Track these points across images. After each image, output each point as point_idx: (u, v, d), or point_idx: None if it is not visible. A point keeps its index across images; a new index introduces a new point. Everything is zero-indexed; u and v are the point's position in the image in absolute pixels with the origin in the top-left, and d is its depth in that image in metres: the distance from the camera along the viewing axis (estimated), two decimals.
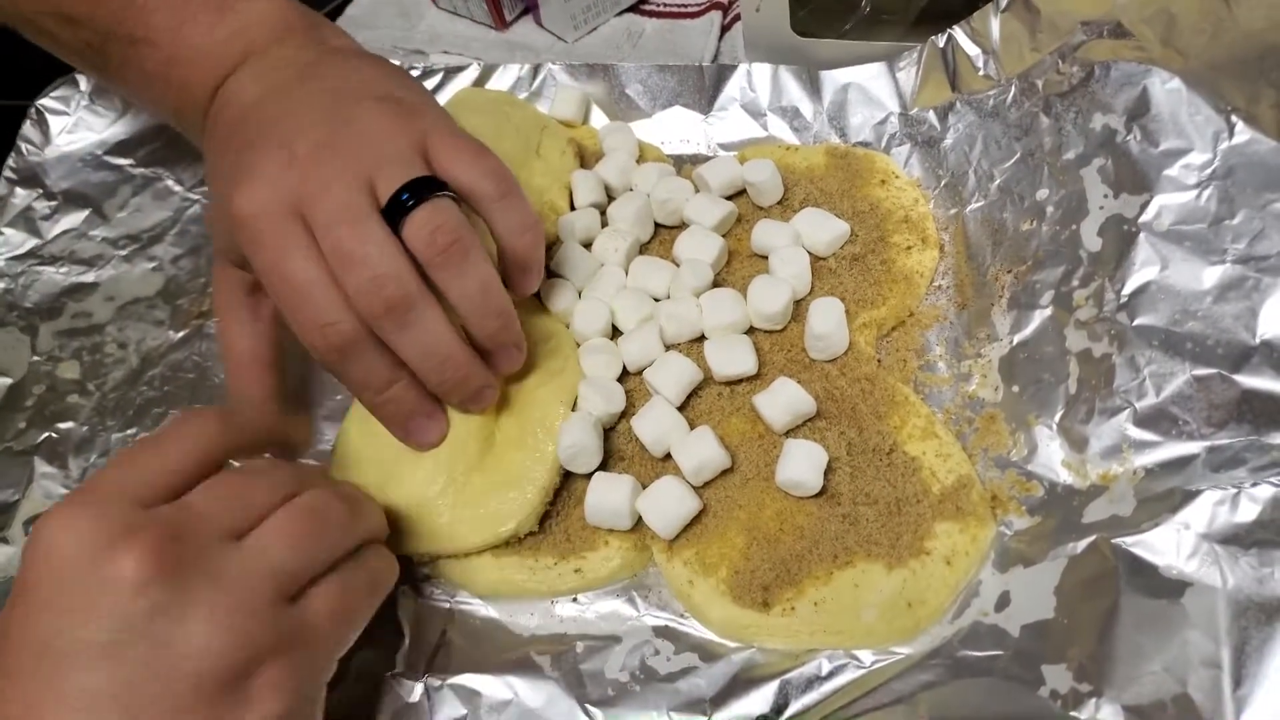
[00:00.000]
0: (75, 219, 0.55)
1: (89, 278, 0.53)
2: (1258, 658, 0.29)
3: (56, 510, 0.29)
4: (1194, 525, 0.32)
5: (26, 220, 0.56)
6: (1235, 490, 0.32)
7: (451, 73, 0.54)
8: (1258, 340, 0.33)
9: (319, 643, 0.31)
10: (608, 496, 0.37)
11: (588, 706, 0.35)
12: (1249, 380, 0.33)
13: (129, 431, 0.47)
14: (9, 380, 0.49)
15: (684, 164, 0.50)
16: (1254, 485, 0.31)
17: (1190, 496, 0.32)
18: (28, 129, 0.57)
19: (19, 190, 0.56)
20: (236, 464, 0.34)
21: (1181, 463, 0.34)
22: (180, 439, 0.31)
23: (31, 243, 0.55)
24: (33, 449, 0.47)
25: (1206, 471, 0.33)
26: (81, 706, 0.27)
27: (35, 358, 0.50)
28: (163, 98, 0.43)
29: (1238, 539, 0.31)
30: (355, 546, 0.33)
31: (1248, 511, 0.31)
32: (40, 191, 0.56)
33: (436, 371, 0.36)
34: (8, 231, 0.55)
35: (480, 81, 0.54)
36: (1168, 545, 0.32)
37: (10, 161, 0.57)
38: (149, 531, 0.28)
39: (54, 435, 0.47)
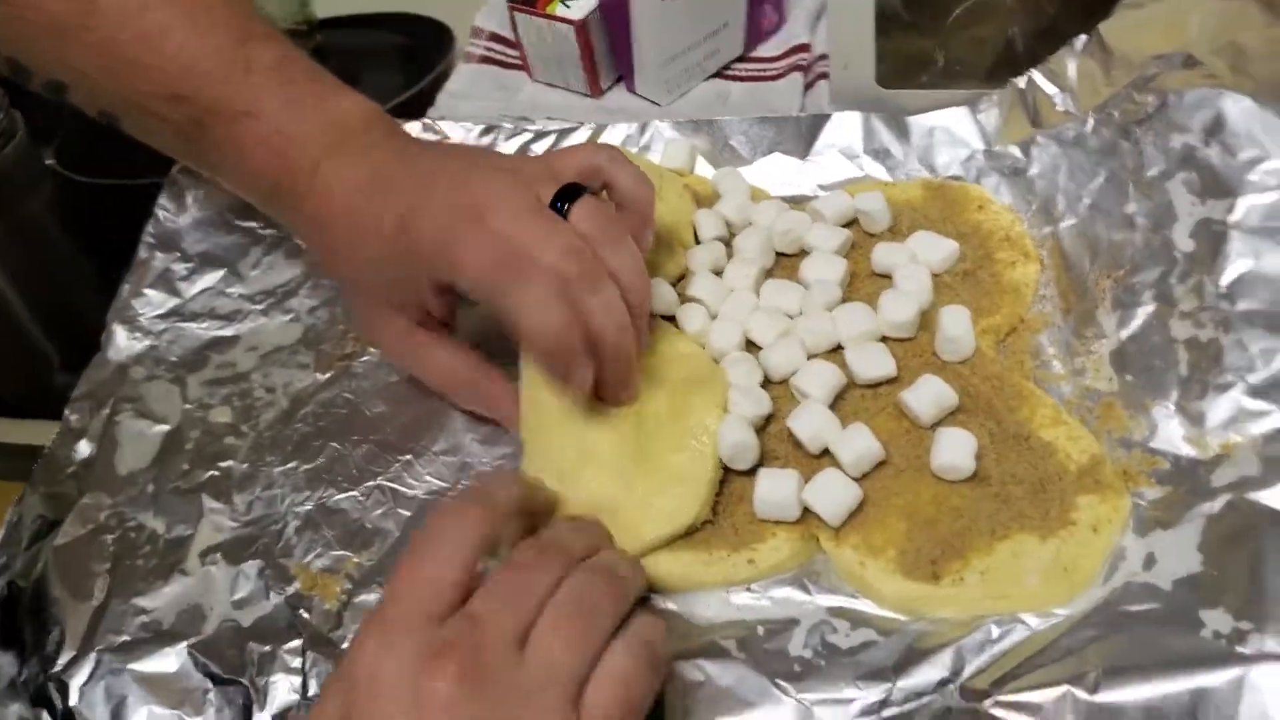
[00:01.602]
0: (212, 278, 0.59)
1: (229, 331, 0.57)
2: None
3: (372, 633, 0.32)
4: None
5: (166, 282, 0.59)
6: None
7: (565, 133, 0.59)
8: None
9: None
10: (776, 488, 0.41)
11: (778, 682, 0.38)
12: None
13: (289, 465, 0.50)
14: (167, 427, 0.53)
15: (791, 205, 0.55)
16: None
17: None
18: (164, 199, 0.62)
19: (158, 254, 0.60)
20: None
21: None
22: (452, 543, 0.34)
23: (172, 302, 0.59)
24: (199, 487, 0.49)
25: None
26: None
27: (187, 405, 0.54)
28: (263, 169, 0.47)
29: None
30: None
31: None
32: (178, 254, 0.60)
33: (615, 333, 0.40)
34: (149, 293, 0.59)
35: (594, 138, 0.59)
36: None
37: (149, 228, 0.61)
38: (456, 651, 0.31)
39: (216, 473, 0.50)
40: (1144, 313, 0.44)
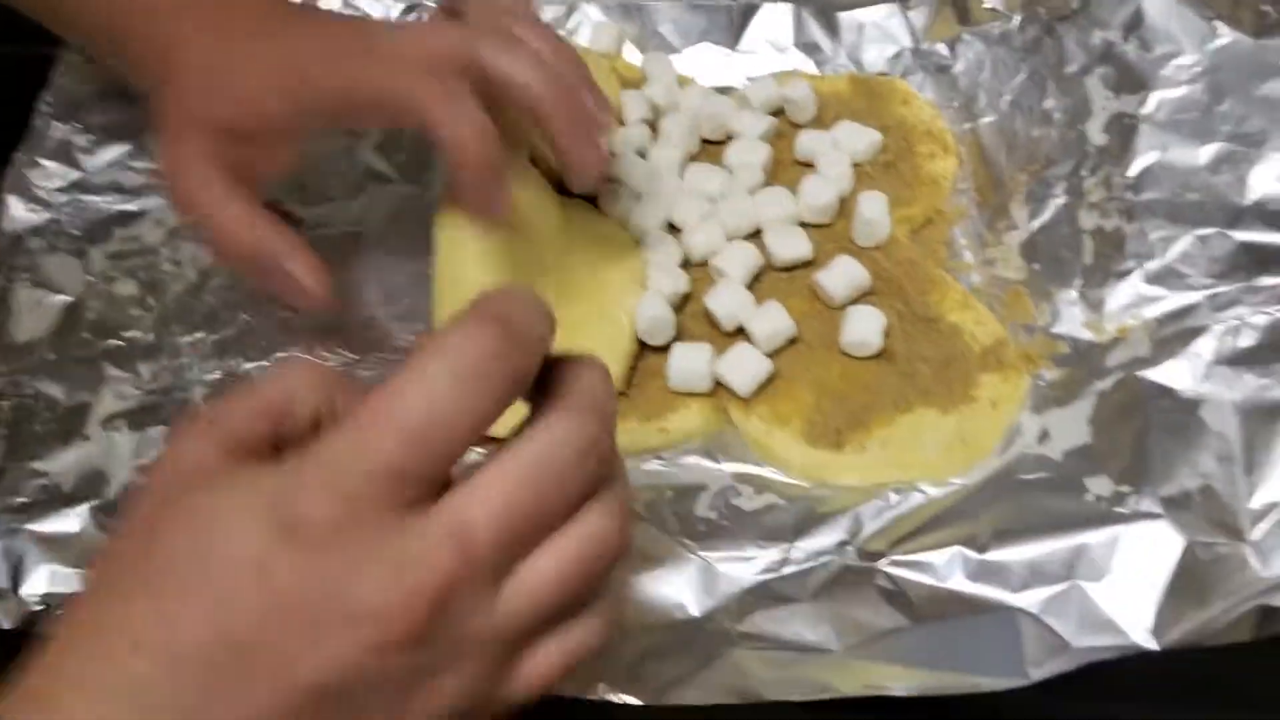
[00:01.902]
0: (117, 151, 0.57)
1: (134, 206, 0.55)
2: (1265, 450, 0.35)
3: (317, 499, 0.22)
4: (1204, 354, 0.38)
5: (65, 153, 0.57)
6: (1237, 323, 0.38)
7: None
8: (1248, 202, 0.39)
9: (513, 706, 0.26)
10: (689, 361, 0.41)
11: (684, 541, 0.39)
12: (1243, 235, 0.39)
13: (197, 335, 0.48)
14: (68, 298, 0.51)
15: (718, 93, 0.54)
16: (1253, 316, 0.37)
17: (1199, 332, 0.38)
18: (64, 67, 0.59)
19: (57, 125, 0.57)
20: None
21: (1189, 310, 0.40)
22: (466, 388, 0.23)
23: (74, 175, 0.56)
24: (101, 355, 0.48)
25: (1211, 312, 0.39)
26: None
27: (89, 277, 0.52)
28: None
29: (1242, 360, 0.37)
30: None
31: (1249, 338, 0.37)
32: (79, 125, 0.57)
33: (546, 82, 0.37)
34: (48, 164, 0.56)
35: None
36: (1183, 372, 0.38)
37: (47, 97, 0.58)
38: (426, 591, 0.22)
39: (120, 343, 0.48)
40: (1055, 204, 0.45)
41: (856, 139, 0.48)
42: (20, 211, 0.54)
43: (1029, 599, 0.35)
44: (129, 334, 0.49)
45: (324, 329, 0.48)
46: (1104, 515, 0.36)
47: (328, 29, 0.42)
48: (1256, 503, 0.35)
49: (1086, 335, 0.42)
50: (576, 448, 0.25)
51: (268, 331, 0.48)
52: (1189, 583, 0.34)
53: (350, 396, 0.27)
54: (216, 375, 0.47)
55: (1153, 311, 0.40)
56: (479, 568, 0.23)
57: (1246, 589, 0.33)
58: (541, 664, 0.26)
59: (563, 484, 0.24)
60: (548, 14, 0.58)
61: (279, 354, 0.47)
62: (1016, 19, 0.50)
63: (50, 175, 0.56)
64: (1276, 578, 0.34)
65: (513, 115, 0.47)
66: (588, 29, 0.57)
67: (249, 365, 0.47)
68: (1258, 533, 0.34)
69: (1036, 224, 0.45)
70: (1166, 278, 0.40)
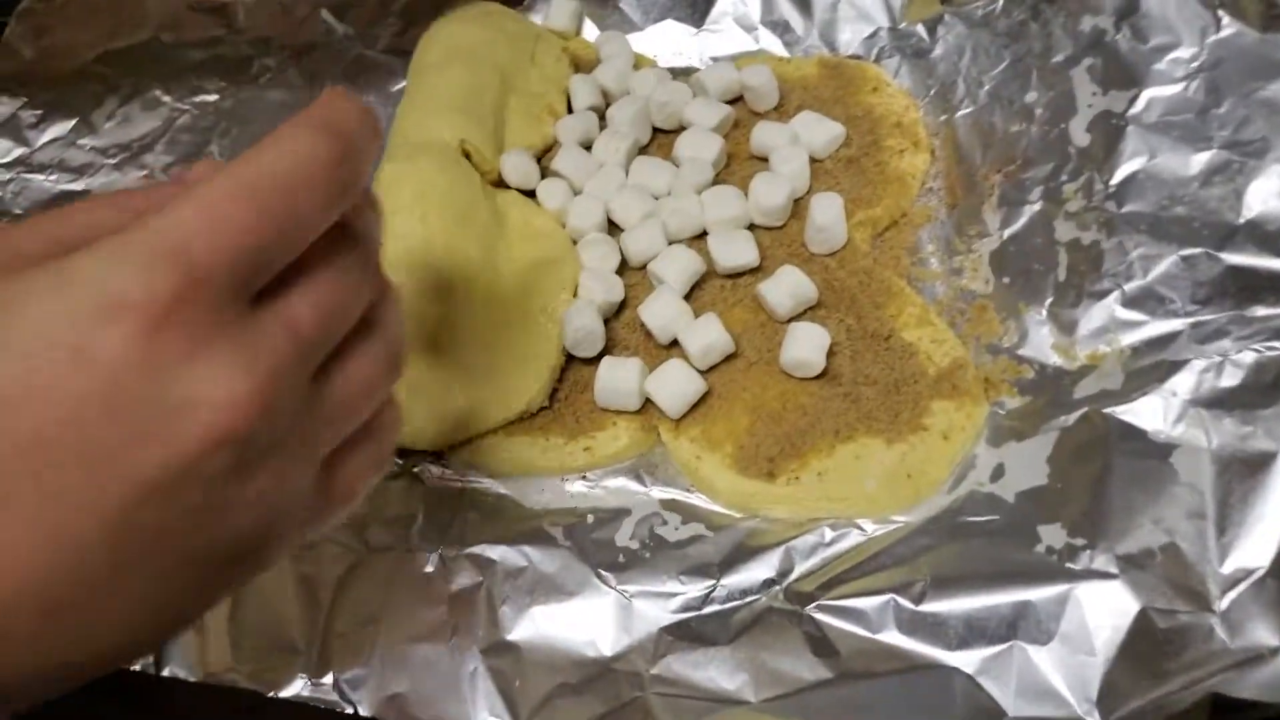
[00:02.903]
0: (62, 128, 0.55)
1: (79, 185, 0.53)
2: (1241, 508, 0.31)
3: (152, 282, 0.20)
4: (1180, 392, 0.34)
5: (12, 129, 0.55)
6: (1220, 359, 0.34)
7: None
8: (1242, 220, 0.35)
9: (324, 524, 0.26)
10: (617, 378, 0.38)
11: (600, 572, 0.36)
12: (1233, 257, 0.35)
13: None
14: None
15: (678, 76, 0.50)
16: (1238, 353, 0.33)
17: (1177, 366, 0.34)
18: (10, 39, 0.56)
19: (3, 99, 0.55)
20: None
21: (1168, 339, 0.35)
22: (312, 214, 0.23)
23: (18, 151, 0.54)
24: None
25: (1192, 344, 0.35)
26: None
27: None
28: None
29: (1222, 402, 0.33)
30: None
31: (1232, 377, 0.33)
32: (25, 100, 0.55)
33: None
34: None
35: None
36: (1155, 412, 0.34)
37: None
38: (261, 369, 0.21)
39: None
40: (1030, 211, 0.41)
41: (816, 132, 0.44)
42: None
43: (965, 658, 0.32)
44: None
45: None
46: (1053, 570, 0.32)
47: None
48: (1228, 567, 0.31)
49: (1055, 360, 0.38)
50: (365, 260, 0.25)
51: None
52: (1142, 652, 0.30)
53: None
54: None
55: (1129, 338, 0.36)
56: (305, 361, 0.23)
57: (1209, 663, 0.30)
58: (349, 474, 0.26)
59: (361, 291, 0.25)
60: None
61: None
62: (1000, 1, 0.45)
63: None
64: (1245, 650, 0.30)
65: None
66: (545, 3, 0.53)
67: None
68: (1226, 601, 0.30)
69: (1009, 232, 0.41)
70: (1145, 301, 0.36)
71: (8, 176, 0.53)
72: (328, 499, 0.26)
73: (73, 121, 0.55)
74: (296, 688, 0.34)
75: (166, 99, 0.55)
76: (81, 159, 0.54)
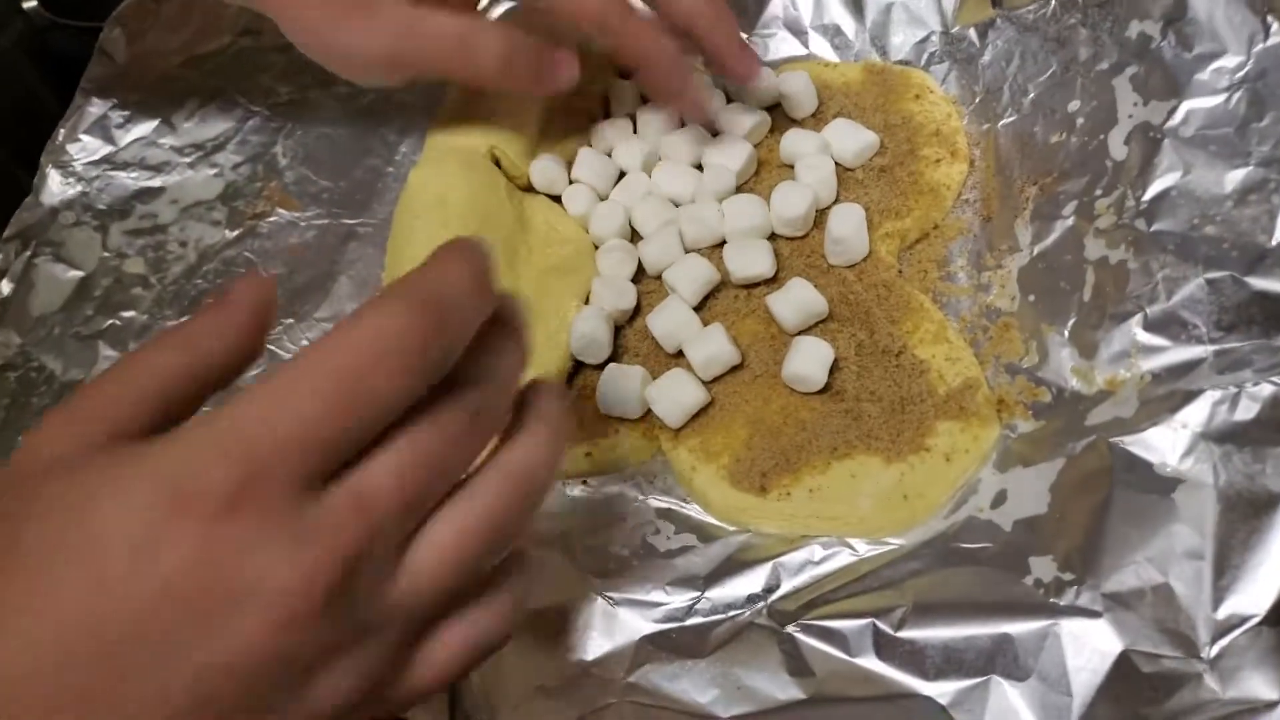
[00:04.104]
0: (146, 128, 0.59)
1: (156, 183, 0.57)
2: (1242, 550, 0.29)
3: (213, 473, 0.21)
4: (1191, 424, 0.32)
5: (102, 128, 0.59)
6: (1236, 390, 0.31)
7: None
8: (1274, 242, 0.33)
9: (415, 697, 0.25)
10: (619, 385, 0.38)
11: (589, 578, 0.36)
12: (1260, 282, 0.32)
13: (181, 320, 0.50)
14: (80, 274, 0.53)
15: (724, 81, 0.50)
16: (1255, 385, 0.31)
17: (1191, 396, 0.32)
18: (104, 43, 0.61)
19: (95, 100, 0.60)
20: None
21: (1188, 366, 0.33)
22: (390, 387, 0.22)
23: (106, 149, 0.58)
24: (99, 334, 0.50)
25: (1212, 374, 0.33)
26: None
27: (105, 254, 0.54)
28: None
29: (1234, 437, 0.31)
30: None
31: (1247, 410, 0.31)
32: (115, 102, 0.60)
33: None
34: (85, 139, 0.58)
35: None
36: (1164, 443, 0.32)
37: (89, 72, 0.60)
38: (325, 563, 0.21)
39: (117, 322, 0.51)
40: (1062, 226, 0.39)
41: (848, 140, 0.43)
42: (57, 185, 0.57)
43: (940, 689, 0.31)
44: (127, 314, 0.51)
45: (297, 319, 0.48)
46: (1037, 605, 0.31)
47: None
48: (1223, 612, 0.29)
49: (1073, 383, 0.36)
50: (470, 410, 0.24)
51: None
52: (1122, 696, 0.29)
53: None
54: None
55: (1149, 364, 0.34)
56: (381, 536, 0.22)
57: (1197, 713, 0.28)
58: (446, 648, 0.25)
59: (459, 448, 0.24)
60: None
61: None
62: (1052, 3, 0.43)
63: (86, 149, 0.58)
64: (1239, 702, 0.28)
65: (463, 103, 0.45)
66: None
67: None
68: (1216, 648, 0.28)
69: (1039, 248, 0.39)
70: (1168, 325, 0.34)
71: (95, 173, 0.57)
72: (416, 673, 0.25)
73: (155, 122, 0.59)
74: None
75: (241, 100, 0.58)
76: (160, 157, 0.57)
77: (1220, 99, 0.35)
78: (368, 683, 0.23)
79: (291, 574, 0.21)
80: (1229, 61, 0.36)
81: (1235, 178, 0.34)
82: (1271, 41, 0.35)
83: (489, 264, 0.25)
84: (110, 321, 0.50)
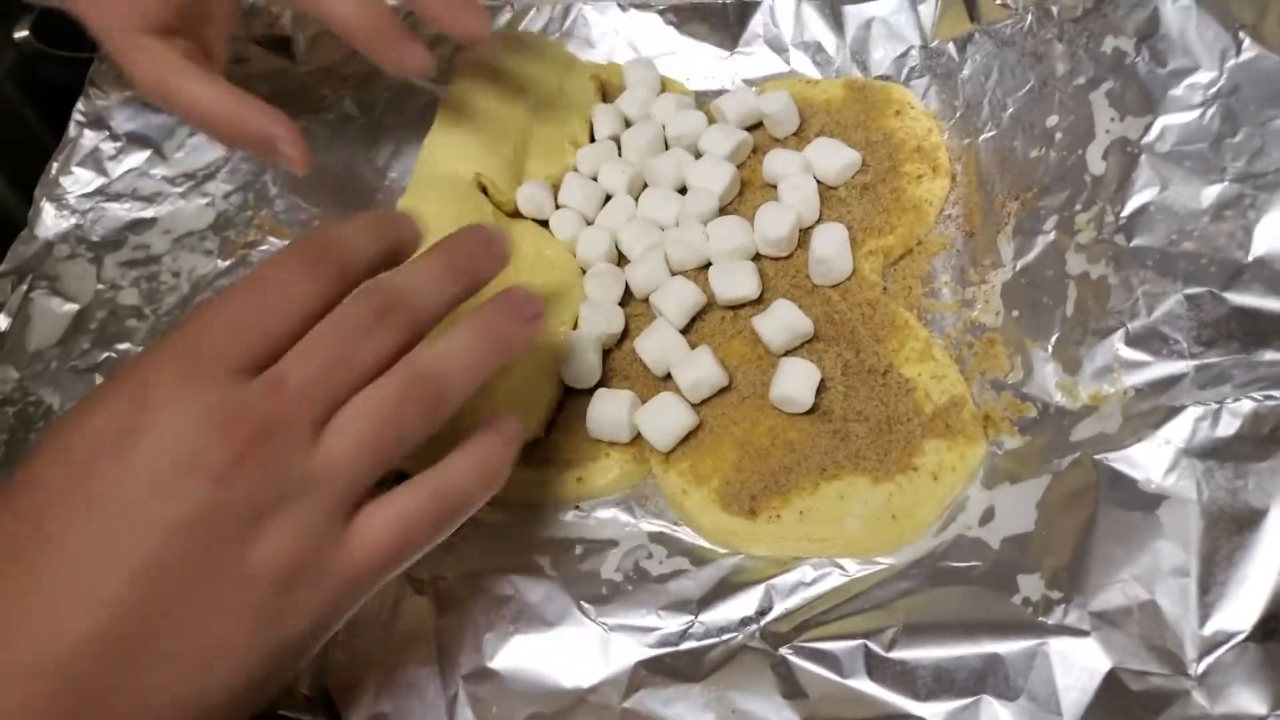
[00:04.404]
0: (138, 159, 0.59)
1: (149, 213, 0.57)
2: (1226, 566, 0.30)
3: (163, 370, 0.27)
4: (1174, 440, 0.32)
5: (95, 160, 0.59)
6: (1217, 406, 0.32)
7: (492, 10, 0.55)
8: (1250, 258, 0.33)
9: (359, 573, 0.29)
10: (609, 409, 0.39)
11: (582, 604, 0.37)
12: (1238, 298, 0.33)
13: None
14: (76, 306, 0.53)
15: (708, 100, 0.51)
16: (1235, 400, 0.31)
17: (1174, 412, 0.32)
18: (96, 75, 0.61)
19: (88, 133, 0.60)
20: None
21: (1170, 381, 0.34)
22: (277, 292, 0.29)
23: (99, 181, 0.59)
24: (95, 367, 0.50)
25: (1193, 389, 0.33)
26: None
27: (100, 286, 0.54)
28: None
29: (1216, 453, 0.31)
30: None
31: (1228, 426, 0.31)
32: (107, 134, 0.60)
33: None
34: (78, 171, 0.59)
35: (514, 23, 0.55)
36: (1148, 460, 0.32)
37: (80, 105, 0.61)
38: (245, 424, 0.27)
39: (113, 355, 0.51)
40: (1043, 241, 0.39)
41: (830, 159, 0.43)
42: (51, 218, 0.58)
43: (932, 710, 0.31)
44: (122, 346, 0.51)
45: None
46: (1026, 624, 0.31)
47: None
48: (1209, 629, 0.29)
49: (1058, 399, 0.36)
50: (372, 306, 0.30)
51: None
52: (1111, 715, 0.29)
53: None
54: None
55: (1132, 379, 0.35)
56: (295, 410, 0.28)
57: None
58: (374, 526, 0.29)
59: (367, 337, 0.29)
60: (543, 15, 0.55)
61: None
62: (1029, 17, 0.43)
63: (79, 181, 0.59)
64: (1227, 718, 0.28)
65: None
66: (584, 29, 0.54)
67: None
68: (1203, 665, 0.29)
69: (1022, 263, 0.40)
70: (1150, 341, 0.34)
71: (88, 205, 0.58)
72: (354, 546, 0.29)
73: (147, 153, 0.59)
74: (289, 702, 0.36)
75: None
76: (152, 188, 0.58)
77: (1195, 114, 0.36)
78: (304, 544, 0.27)
79: (219, 436, 0.27)
80: (1202, 77, 0.36)
81: (1211, 193, 0.34)
82: (1244, 57, 0.35)
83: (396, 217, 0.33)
84: (106, 354, 0.51)
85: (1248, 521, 0.30)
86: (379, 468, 0.29)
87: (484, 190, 0.46)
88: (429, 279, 0.32)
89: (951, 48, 0.47)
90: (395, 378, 0.30)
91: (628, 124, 0.48)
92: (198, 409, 0.27)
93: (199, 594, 0.26)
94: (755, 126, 0.47)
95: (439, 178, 0.45)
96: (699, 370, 0.38)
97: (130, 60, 0.43)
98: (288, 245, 0.31)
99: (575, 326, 0.41)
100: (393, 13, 0.41)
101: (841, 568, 0.36)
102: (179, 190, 0.57)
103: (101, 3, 0.43)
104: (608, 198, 0.45)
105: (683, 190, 0.45)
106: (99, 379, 0.50)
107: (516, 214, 0.46)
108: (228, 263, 0.53)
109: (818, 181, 0.43)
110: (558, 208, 0.45)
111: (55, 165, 0.59)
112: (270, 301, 0.29)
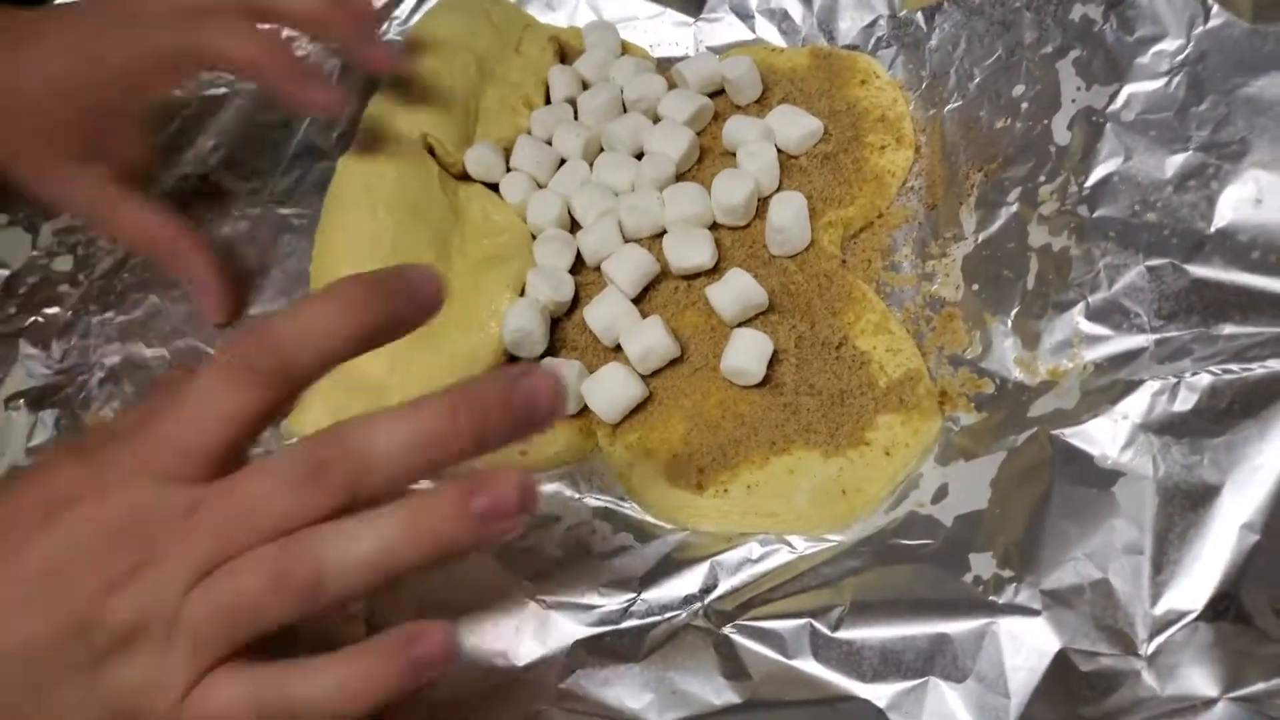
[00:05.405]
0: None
1: None
2: (1180, 544, 0.29)
3: (64, 474, 0.26)
4: (1132, 415, 0.31)
5: None
6: (1176, 380, 0.31)
7: None
8: (1212, 229, 0.32)
9: None
10: None
11: (522, 580, 0.35)
12: (1199, 270, 0.32)
13: (106, 315, 0.48)
14: (6, 271, 0.51)
15: (670, 66, 0.49)
16: (1194, 374, 0.30)
17: (1132, 387, 0.31)
18: None
19: None
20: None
21: (1129, 356, 0.33)
22: (208, 405, 0.26)
23: None
24: (18, 332, 0.48)
25: (1152, 364, 0.32)
26: None
27: (35, 252, 0.52)
28: None
29: (1172, 428, 0.30)
30: None
31: (1185, 401, 0.30)
32: None
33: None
34: None
35: None
36: (1104, 435, 0.31)
37: None
38: (137, 541, 0.25)
39: (40, 319, 0.49)
40: (1006, 213, 0.38)
41: (791, 127, 0.42)
42: None
43: (877, 691, 0.30)
44: (51, 310, 0.49)
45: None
46: (976, 603, 0.30)
47: (83, 15, 0.42)
48: (1160, 608, 0.28)
49: (1016, 374, 0.35)
50: (313, 462, 0.26)
51: (173, 317, 0.47)
52: (1059, 696, 0.28)
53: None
54: (116, 360, 0.46)
55: (1091, 353, 0.34)
56: (189, 540, 0.25)
57: (1136, 711, 0.28)
58: (210, 701, 0.25)
59: (291, 493, 0.25)
60: None
61: (179, 341, 0.46)
62: None
63: None
64: (1177, 700, 0.27)
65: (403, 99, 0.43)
66: None
67: (149, 352, 0.46)
68: (1153, 645, 0.28)
69: (984, 235, 0.39)
70: (1110, 314, 0.33)
71: None
72: (189, 705, 0.25)
73: None
74: None
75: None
76: None
77: (1160, 83, 0.35)
78: (147, 688, 0.25)
79: (104, 553, 0.25)
80: (1169, 45, 0.35)
81: (1175, 163, 0.33)
82: (1211, 24, 0.34)
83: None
84: (33, 319, 0.49)
85: (1202, 498, 0.29)
86: (232, 643, 0.25)
87: (431, 151, 0.44)
88: (394, 441, 0.26)
89: (920, 17, 0.45)
90: (271, 555, 0.25)
91: (585, 87, 0.46)
92: (102, 515, 0.25)
93: (44, 702, 0.25)
94: (718, 94, 0.46)
95: (385, 137, 0.43)
96: (649, 340, 0.37)
97: (55, 190, 0.43)
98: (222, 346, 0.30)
99: (522, 293, 0.40)
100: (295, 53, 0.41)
101: (789, 545, 0.35)
102: None
103: (13, 138, 0.42)
104: (561, 162, 0.44)
105: (640, 156, 0.43)
106: (24, 344, 0.48)
107: (465, 176, 0.44)
108: None
109: (778, 150, 0.42)
110: (509, 170, 0.44)
111: None
112: (196, 415, 0.26)
